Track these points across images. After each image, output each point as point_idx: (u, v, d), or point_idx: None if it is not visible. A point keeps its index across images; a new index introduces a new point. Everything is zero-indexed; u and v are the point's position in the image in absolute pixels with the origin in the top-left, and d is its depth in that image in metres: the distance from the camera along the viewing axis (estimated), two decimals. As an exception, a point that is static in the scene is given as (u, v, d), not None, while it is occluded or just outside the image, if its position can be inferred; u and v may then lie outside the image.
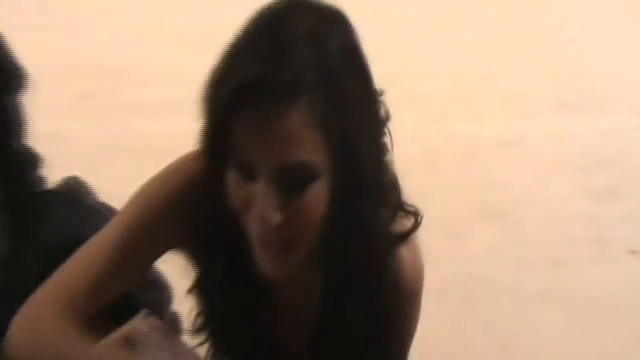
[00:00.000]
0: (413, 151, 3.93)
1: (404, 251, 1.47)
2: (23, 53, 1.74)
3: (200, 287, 1.49)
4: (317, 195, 1.29)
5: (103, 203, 1.78)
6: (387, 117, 1.39)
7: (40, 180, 1.76)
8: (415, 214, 1.48)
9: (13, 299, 1.48)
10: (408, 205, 1.48)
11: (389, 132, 1.38)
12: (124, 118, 4.13)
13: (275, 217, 1.27)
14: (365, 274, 1.42)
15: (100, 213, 1.66)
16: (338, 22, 1.33)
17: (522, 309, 3.14)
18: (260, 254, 1.33)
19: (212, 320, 1.51)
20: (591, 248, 3.46)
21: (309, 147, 1.26)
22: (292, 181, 1.26)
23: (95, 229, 1.47)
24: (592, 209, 3.65)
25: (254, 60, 1.24)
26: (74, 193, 1.75)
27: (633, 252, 3.40)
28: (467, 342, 3.02)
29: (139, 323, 1.51)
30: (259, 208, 1.27)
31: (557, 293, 3.22)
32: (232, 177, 1.30)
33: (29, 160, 1.76)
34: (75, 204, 1.49)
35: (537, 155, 3.96)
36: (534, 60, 4.55)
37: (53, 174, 1.82)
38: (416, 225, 1.48)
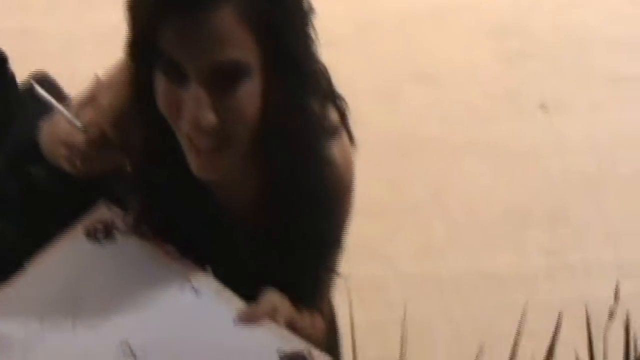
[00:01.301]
0: (348, 24, 3.75)
1: (334, 145, 1.34)
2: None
3: (136, 188, 1.35)
4: (250, 92, 1.16)
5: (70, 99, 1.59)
6: (311, 8, 1.23)
7: (7, 80, 1.57)
8: (342, 105, 1.36)
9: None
10: (336, 94, 1.36)
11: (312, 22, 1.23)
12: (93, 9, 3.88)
13: (209, 119, 1.14)
14: (300, 168, 1.29)
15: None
16: None
17: (451, 160, 3.06)
18: (192, 156, 1.21)
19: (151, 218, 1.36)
20: (506, 104, 3.36)
21: (239, 44, 1.12)
22: (223, 81, 1.13)
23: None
24: (506, 70, 3.55)
25: None
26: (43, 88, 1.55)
27: (542, 107, 3.30)
28: (403, 195, 2.96)
29: (101, 212, 1.35)
30: (191, 112, 1.14)
31: (480, 145, 3.15)
32: (161, 83, 1.17)
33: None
34: (43, 105, 1.32)
35: (456, 24, 3.79)
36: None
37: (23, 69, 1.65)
38: (344, 117, 1.36)
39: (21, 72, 1.66)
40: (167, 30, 1.11)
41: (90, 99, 1.34)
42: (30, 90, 1.49)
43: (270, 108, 1.19)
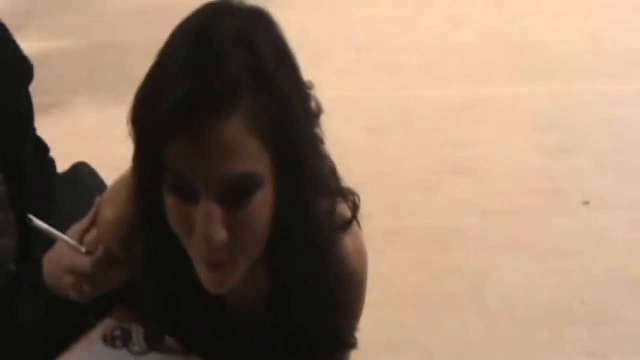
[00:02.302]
0: (388, 114, 3.73)
1: (346, 240, 1.29)
2: None
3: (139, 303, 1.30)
4: (262, 202, 1.10)
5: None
6: (319, 109, 1.18)
7: (49, 166, 1.54)
8: (353, 199, 1.31)
9: (22, 289, 1.28)
10: (346, 189, 1.31)
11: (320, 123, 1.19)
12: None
13: (220, 235, 1.07)
14: (311, 269, 1.23)
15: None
16: (263, 21, 1.12)
17: (491, 255, 2.98)
18: (203, 272, 1.14)
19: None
20: (548, 199, 3.28)
21: (251, 156, 1.06)
22: (235, 194, 1.07)
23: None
24: (547, 164, 3.47)
25: (184, 76, 1.03)
26: (82, 180, 1.52)
27: (585, 203, 3.22)
28: (441, 288, 2.87)
29: (120, 318, 1.30)
30: (202, 229, 1.07)
31: (519, 241, 3.07)
32: (170, 200, 1.10)
33: (40, 149, 1.53)
34: (84, 193, 1.27)
35: (496, 116, 3.78)
36: (491, 32, 4.35)
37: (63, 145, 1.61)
38: (355, 210, 1.31)
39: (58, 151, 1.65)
40: (174, 147, 1.04)
41: (92, 220, 1.30)
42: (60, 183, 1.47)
43: (280, 213, 1.13)
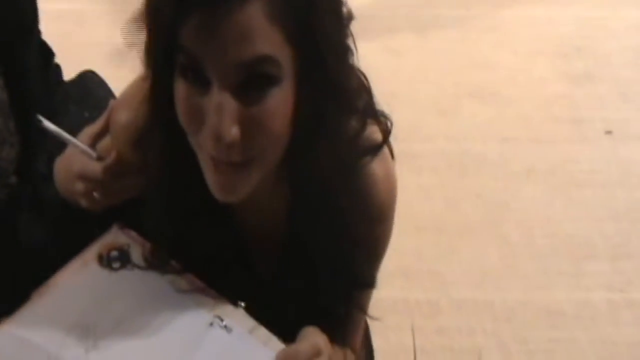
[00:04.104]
0: (407, 34, 3.56)
1: (375, 165, 1.15)
2: None
3: (150, 215, 1.16)
4: (279, 101, 0.97)
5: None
6: (350, 16, 1.04)
7: (54, 73, 1.40)
8: (385, 123, 1.16)
9: (23, 203, 1.16)
10: (379, 112, 1.16)
11: (352, 34, 1.05)
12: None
13: (232, 132, 0.94)
14: (334, 190, 1.10)
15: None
16: None
17: (509, 183, 2.86)
18: (211, 174, 1.01)
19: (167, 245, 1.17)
20: (570, 127, 3.13)
21: (269, 42, 0.93)
22: (251, 85, 0.94)
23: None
24: (570, 91, 3.32)
25: None
26: (90, 89, 1.38)
27: (607, 132, 3.08)
28: (459, 216, 2.77)
29: (115, 236, 1.15)
30: (213, 122, 0.94)
31: (539, 168, 2.94)
32: (180, 88, 0.97)
33: (44, 54, 1.40)
34: (91, 104, 1.14)
35: (518, 40, 3.61)
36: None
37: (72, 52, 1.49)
38: (386, 135, 1.17)
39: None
40: (190, 28, 0.92)
41: (105, 125, 1.19)
42: (66, 92, 1.35)
43: (299, 121, 1.00)
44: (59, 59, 1.54)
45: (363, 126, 1.12)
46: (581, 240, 2.66)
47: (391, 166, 1.20)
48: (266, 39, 0.93)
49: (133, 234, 1.18)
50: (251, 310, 1.12)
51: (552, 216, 2.75)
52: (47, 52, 1.45)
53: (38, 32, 1.44)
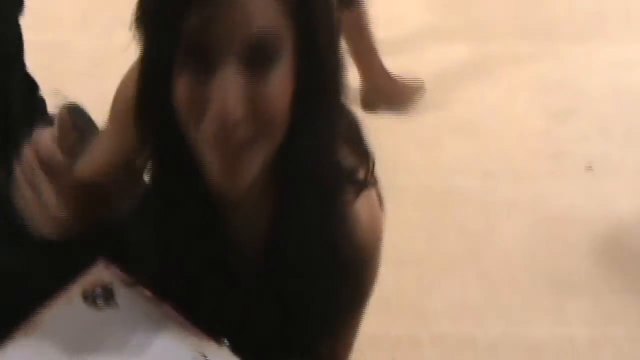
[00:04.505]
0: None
1: (360, 202, 1.16)
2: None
3: (143, 212, 1.15)
4: (281, 77, 0.99)
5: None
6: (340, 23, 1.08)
7: (38, 105, 1.40)
8: (368, 158, 1.18)
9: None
10: (367, 144, 1.18)
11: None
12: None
13: (238, 109, 0.96)
14: (318, 203, 1.10)
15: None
16: None
17: (490, 218, 2.86)
18: (214, 160, 1.01)
19: (157, 246, 1.15)
20: (550, 162, 3.15)
21: (269, 15, 0.96)
22: (253, 61, 0.96)
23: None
24: (551, 126, 3.34)
25: None
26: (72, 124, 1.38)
27: (588, 168, 3.09)
28: (440, 249, 2.77)
29: (100, 272, 1.15)
30: (219, 102, 0.95)
31: (520, 203, 2.94)
32: (181, 82, 0.98)
33: (29, 87, 1.40)
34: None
35: (499, 75, 3.62)
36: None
37: (56, 84, 1.49)
38: (369, 170, 1.18)
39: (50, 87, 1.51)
40: (194, 12, 0.94)
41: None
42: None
43: (298, 104, 1.01)
44: (43, 91, 1.55)
45: (351, 156, 1.13)
46: (562, 275, 2.66)
47: (376, 206, 1.19)
48: (267, 13, 0.96)
49: (117, 270, 1.17)
50: (234, 328, 1.11)
51: (533, 251, 2.75)
52: (31, 85, 1.45)
53: (22, 64, 1.43)
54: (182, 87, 0.98)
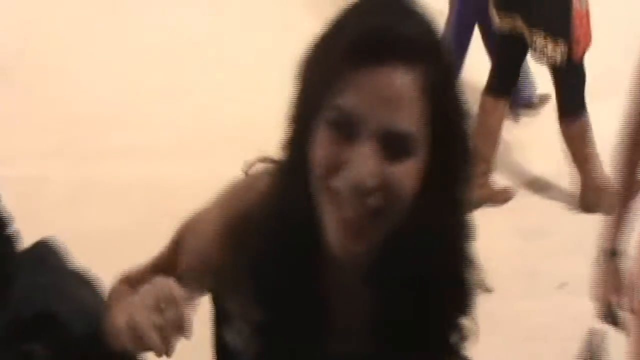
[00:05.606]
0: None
1: None
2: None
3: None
4: (412, 168, 1.08)
5: (76, 267, 1.45)
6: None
7: (9, 241, 1.44)
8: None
9: None
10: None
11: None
12: (101, 163, 3.82)
13: (372, 180, 1.05)
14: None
15: (72, 278, 1.34)
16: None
17: (465, 337, 2.87)
18: (335, 223, 1.08)
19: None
20: (522, 282, 3.22)
21: (416, 117, 1.06)
22: (391, 148, 1.06)
23: (67, 296, 1.18)
24: (523, 247, 3.43)
25: (379, 12, 1.06)
26: (44, 258, 1.42)
27: (560, 286, 3.16)
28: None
29: None
30: (355, 167, 1.05)
31: (493, 324, 2.94)
32: (324, 137, 1.07)
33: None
34: (46, 271, 1.19)
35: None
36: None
37: (31, 218, 1.53)
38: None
39: (26, 220, 1.56)
40: (347, 84, 1.05)
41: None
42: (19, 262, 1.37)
43: (426, 195, 1.10)
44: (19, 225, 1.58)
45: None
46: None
47: None
48: (414, 114, 1.06)
49: None
50: None
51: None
52: (1, 221, 1.48)
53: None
54: (323, 142, 1.07)
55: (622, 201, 1.94)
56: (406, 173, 1.07)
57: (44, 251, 1.48)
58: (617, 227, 1.95)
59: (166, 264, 1.27)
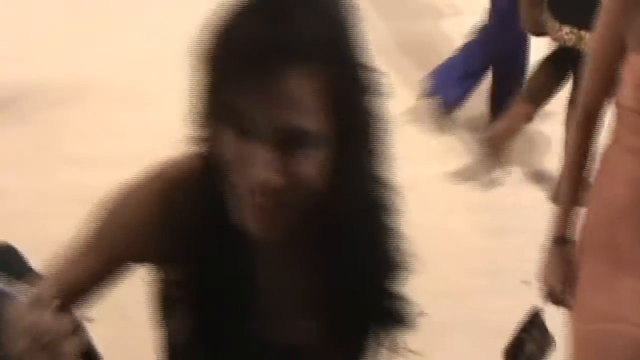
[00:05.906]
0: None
1: None
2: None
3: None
4: (316, 161, 1.10)
5: (35, 272, 1.43)
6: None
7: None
8: None
9: None
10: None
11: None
12: (62, 170, 3.78)
13: (276, 180, 1.08)
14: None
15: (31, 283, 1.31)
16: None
17: (429, 338, 2.86)
18: (251, 211, 1.12)
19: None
20: (488, 280, 3.25)
21: (310, 113, 1.07)
22: (291, 146, 1.08)
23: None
24: (488, 245, 3.44)
25: (264, 20, 1.06)
26: (4, 262, 1.41)
27: (525, 282, 3.17)
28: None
29: None
30: (259, 170, 1.07)
31: (460, 322, 2.98)
32: (224, 134, 1.10)
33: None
34: (6, 275, 1.17)
35: (434, 196, 3.75)
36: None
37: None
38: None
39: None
40: (240, 86, 1.05)
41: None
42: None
43: (335, 186, 1.13)
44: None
45: None
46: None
47: None
48: (308, 111, 1.06)
49: None
50: None
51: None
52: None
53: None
54: (226, 141, 1.09)
55: (572, 188, 1.96)
56: (311, 167, 1.09)
57: (5, 254, 1.45)
58: (567, 214, 1.96)
59: (82, 260, 1.26)
